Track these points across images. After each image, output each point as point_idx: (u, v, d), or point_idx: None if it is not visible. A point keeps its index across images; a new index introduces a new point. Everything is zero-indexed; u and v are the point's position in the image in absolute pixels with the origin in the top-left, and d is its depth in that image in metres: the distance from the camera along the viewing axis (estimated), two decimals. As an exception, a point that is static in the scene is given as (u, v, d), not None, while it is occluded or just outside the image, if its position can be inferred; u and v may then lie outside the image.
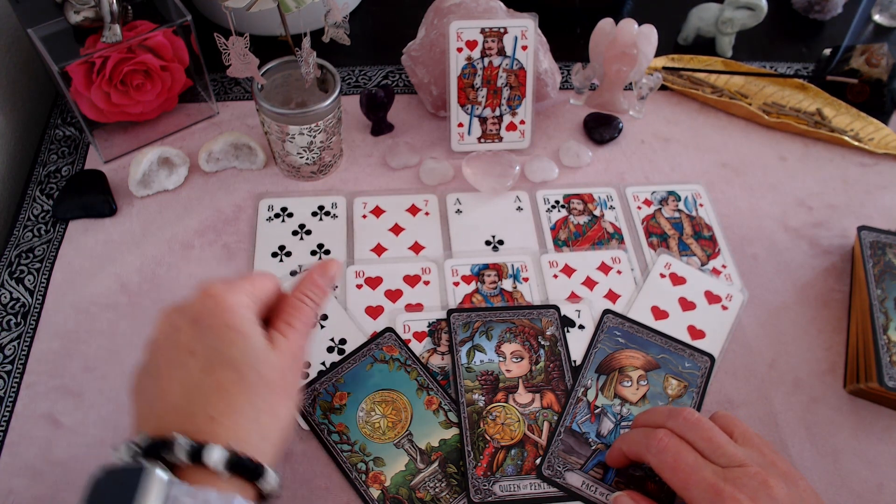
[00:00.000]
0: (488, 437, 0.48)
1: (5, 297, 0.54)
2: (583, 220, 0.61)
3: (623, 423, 0.49)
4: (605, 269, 0.58)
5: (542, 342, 0.53)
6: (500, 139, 0.65)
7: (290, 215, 0.60)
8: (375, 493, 0.45)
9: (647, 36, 0.65)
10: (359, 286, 0.56)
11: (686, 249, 0.60)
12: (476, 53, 0.61)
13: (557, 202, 0.62)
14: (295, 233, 0.59)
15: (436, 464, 0.47)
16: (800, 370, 0.53)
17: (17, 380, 0.50)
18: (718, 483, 0.37)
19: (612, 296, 0.56)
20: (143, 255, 0.57)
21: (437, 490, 0.46)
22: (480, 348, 0.52)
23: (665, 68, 0.74)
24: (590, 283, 0.57)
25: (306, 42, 0.53)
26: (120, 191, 0.61)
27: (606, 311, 0.55)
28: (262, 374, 0.35)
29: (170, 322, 0.37)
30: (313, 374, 0.51)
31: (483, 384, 0.50)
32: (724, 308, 0.56)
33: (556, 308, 0.54)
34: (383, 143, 0.67)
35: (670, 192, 0.64)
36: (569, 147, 0.66)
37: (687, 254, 0.60)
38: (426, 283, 0.56)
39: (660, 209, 0.63)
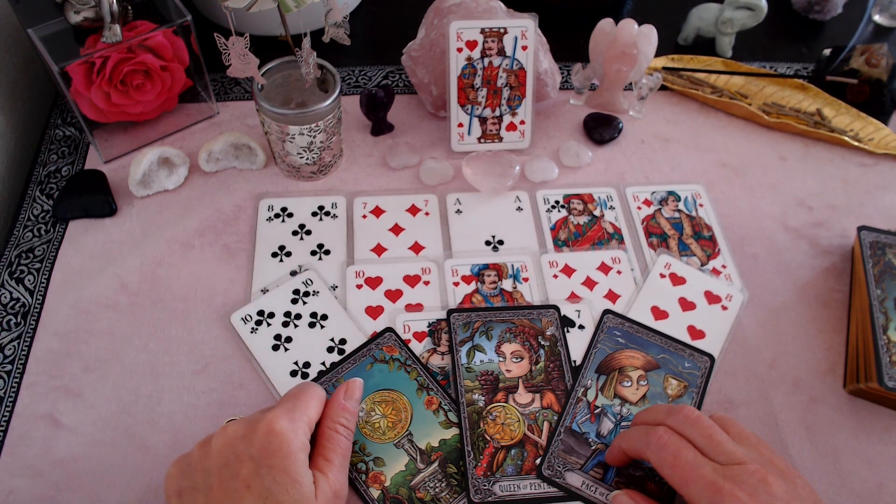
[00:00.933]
0: (488, 437, 0.48)
1: (5, 297, 0.54)
2: (583, 220, 0.61)
3: (623, 423, 0.49)
4: (605, 269, 0.58)
5: (542, 342, 0.53)
6: (500, 139, 0.65)
7: (290, 215, 0.60)
8: (375, 493, 0.45)
9: (647, 36, 0.65)
10: (359, 286, 0.56)
11: (686, 249, 0.60)
12: (476, 53, 0.61)
13: (557, 202, 0.62)
14: (295, 233, 0.59)
15: (436, 464, 0.47)
16: (800, 370, 0.53)
17: (17, 380, 0.50)
18: (718, 480, 0.37)
19: (612, 296, 0.56)
20: (143, 255, 0.57)
21: (437, 490, 0.46)
22: (480, 348, 0.52)
23: (665, 68, 0.74)
24: (590, 283, 0.57)
25: (306, 42, 0.53)
26: (120, 191, 0.61)
27: (606, 311, 0.55)
28: None
29: (233, 448, 0.39)
30: (313, 374, 0.51)
31: (483, 384, 0.50)
32: (724, 308, 0.56)
33: (556, 308, 0.54)
34: (383, 143, 0.67)
35: (670, 192, 0.64)
36: (569, 147, 0.66)
37: (687, 254, 0.60)
38: (426, 283, 0.56)
39: (660, 209, 0.63)
